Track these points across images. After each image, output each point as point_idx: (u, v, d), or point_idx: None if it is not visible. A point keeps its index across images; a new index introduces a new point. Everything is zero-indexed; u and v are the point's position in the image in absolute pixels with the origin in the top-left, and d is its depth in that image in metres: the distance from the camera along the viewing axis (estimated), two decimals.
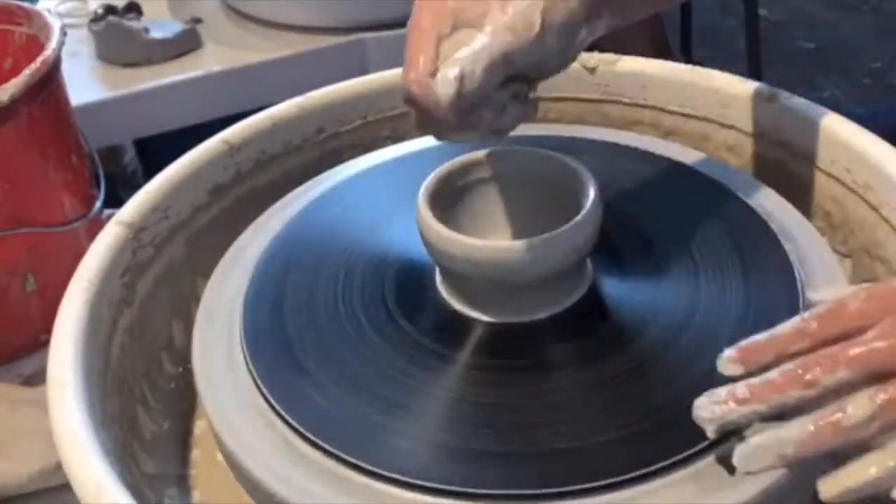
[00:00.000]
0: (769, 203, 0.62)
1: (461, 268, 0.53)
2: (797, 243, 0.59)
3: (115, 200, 0.78)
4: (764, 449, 0.43)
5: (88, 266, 0.58)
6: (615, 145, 0.69)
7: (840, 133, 0.63)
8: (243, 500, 0.51)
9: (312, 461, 0.49)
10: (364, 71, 0.76)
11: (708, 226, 0.61)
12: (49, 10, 0.91)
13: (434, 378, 0.52)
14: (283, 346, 0.55)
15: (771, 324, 0.47)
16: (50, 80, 0.82)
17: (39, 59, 0.81)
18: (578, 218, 0.53)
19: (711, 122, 0.71)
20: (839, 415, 0.43)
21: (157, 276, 0.63)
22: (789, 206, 0.62)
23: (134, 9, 1.29)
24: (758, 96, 0.69)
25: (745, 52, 1.86)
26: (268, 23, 1.29)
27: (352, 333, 0.55)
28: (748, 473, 0.44)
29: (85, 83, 1.20)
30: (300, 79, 1.04)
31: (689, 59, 1.84)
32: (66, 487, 0.48)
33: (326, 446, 0.49)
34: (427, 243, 0.55)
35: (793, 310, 0.54)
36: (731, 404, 0.44)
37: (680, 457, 0.47)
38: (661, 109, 0.73)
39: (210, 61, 1.25)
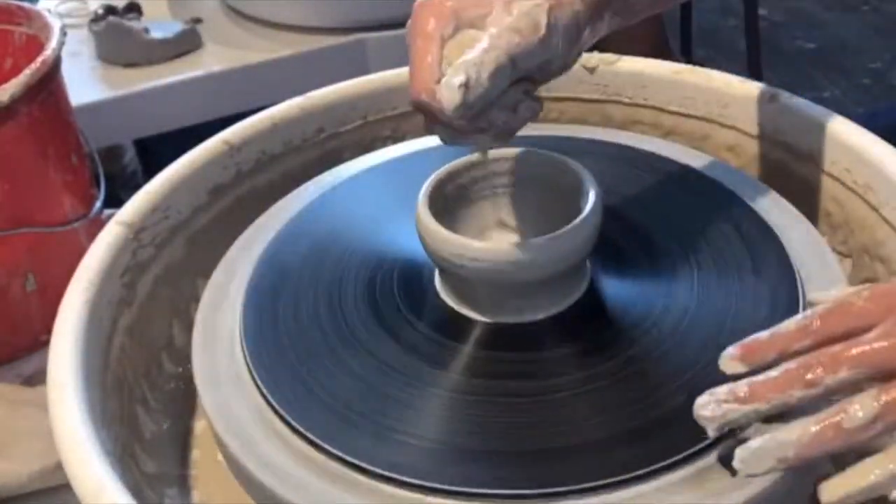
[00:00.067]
0: (769, 203, 0.62)
1: (460, 269, 0.53)
2: (797, 243, 0.59)
3: (115, 200, 0.78)
4: (764, 452, 0.43)
5: (88, 266, 0.58)
6: (615, 145, 0.69)
7: (840, 133, 0.63)
8: (243, 500, 0.51)
9: (312, 461, 0.49)
10: (364, 71, 0.76)
11: (708, 226, 0.61)
12: (49, 10, 0.91)
13: (434, 378, 0.52)
14: (282, 346, 0.55)
15: (770, 323, 0.47)
16: (50, 80, 0.82)
17: (39, 59, 0.81)
18: (579, 219, 0.53)
19: (711, 122, 0.71)
20: (841, 416, 0.42)
21: (157, 276, 0.63)
22: (789, 206, 0.62)
23: (134, 9, 1.29)
24: (758, 96, 0.69)
25: (745, 52, 1.86)
26: (268, 23, 1.29)
27: (351, 334, 0.55)
28: (749, 476, 0.44)
29: (85, 83, 1.20)
30: (300, 79, 1.05)
31: (689, 59, 1.84)
32: (66, 487, 0.48)
33: (326, 446, 0.49)
34: (426, 245, 0.55)
35: (793, 309, 0.54)
36: (733, 403, 0.44)
37: (680, 457, 0.47)
38: (661, 109, 0.73)
39: (210, 61, 1.25)
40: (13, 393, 0.82)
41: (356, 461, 0.48)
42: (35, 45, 0.87)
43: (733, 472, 0.44)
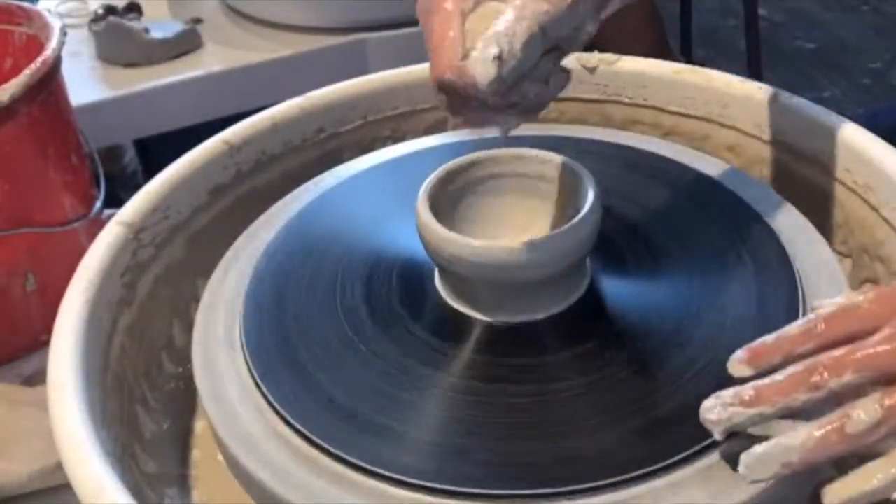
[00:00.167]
0: (769, 203, 0.62)
1: (460, 268, 0.53)
2: (797, 243, 0.59)
3: (115, 200, 0.78)
4: (769, 457, 0.43)
5: (88, 266, 0.58)
6: (615, 145, 0.69)
7: (840, 133, 0.63)
8: (243, 500, 0.51)
9: (312, 461, 0.49)
10: (364, 71, 0.76)
11: (708, 225, 0.61)
12: (49, 10, 0.91)
13: (434, 378, 0.52)
14: (282, 346, 0.55)
15: (770, 323, 0.47)
16: (50, 80, 0.82)
17: (39, 59, 0.81)
18: (578, 218, 0.53)
19: (711, 122, 0.71)
20: (844, 421, 0.42)
21: (157, 276, 0.63)
22: (789, 206, 0.62)
23: (134, 9, 1.29)
24: (758, 96, 0.69)
25: (745, 52, 1.86)
26: (268, 23, 1.29)
27: (351, 333, 0.55)
28: (754, 482, 0.44)
29: (85, 83, 1.20)
30: (300, 79, 1.05)
31: (689, 59, 1.84)
32: (66, 487, 0.48)
33: (326, 446, 0.49)
34: (426, 244, 0.55)
35: (792, 309, 0.54)
36: (738, 407, 0.44)
37: (681, 456, 0.47)
38: (661, 109, 0.73)
39: (210, 61, 1.25)
40: (13, 393, 0.82)
41: (356, 461, 0.48)
42: (35, 45, 0.87)
43: (734, 469, 0.44)
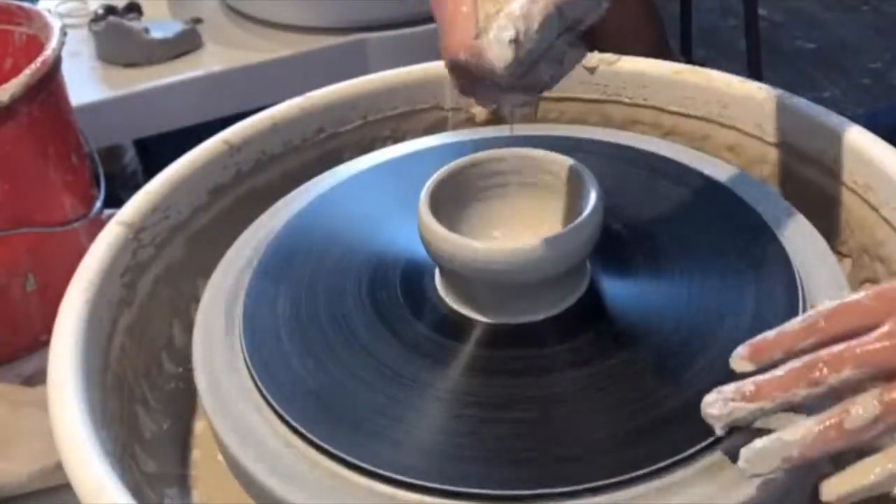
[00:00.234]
0: (769, 203, 0.62)
1: (461, 269, 0.53)
2: (797, 243, 0.59)
3: (115, 200, 0.78)
4: (769, 452, 0.43)
5: (88, 266, 0.58)
6: (615, 145, 0.69)
7: (840, 133, 0.63)
8: (243, 500, 0.51)
9: (312, 461, 0.49)
10: (364, 71, 0.76)
11: (708, 225, 0.61)
12: (49, 10, 0.92)
13: (434, 379, 0.52)
14: (282, 347, 0.55)
15: (770, 323, 0.47)
16: (50, 80, 0.82)
17: (39, 59, 0.81)
18: (579, 220, 0.53)
19: (711, 122, 0.71)
20: (843, 416, 0.43)
21: (157, 276, 0.63)
22: (789, 206, 0.62)
23: (134, 9, 1.29)
24: (758, 96, 0.69)
25: (745, 52, 1.86)
26: (268, 23, 1.30)
27: (352, 334, 0.55)
28: (754, 476, 0.44)
29: (85, 83, 1.20)
30: (300, 79, 1.05)
31: (689, 59, 1.84)
32: (66, 487, 0.48)
33: (326, 446, 0.49)
34: (427, 244, 0.55)
35: (792, 309, 0.54)
36: (739, 402, 0.44)
37: (680, 456, 0.47)
38: (661, 109, 0.73)
39: (210, 61, 1.25)
40: (13, 393, 0.82)
41: (356, 461, 0.48)
42: (35, 45, 0.87)
43: (735, 462, 0.44)
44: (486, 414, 0.50)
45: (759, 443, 0.43)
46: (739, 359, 0.46)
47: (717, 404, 0.45)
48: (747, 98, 0.69)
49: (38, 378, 0.84)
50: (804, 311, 0.54)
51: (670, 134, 0.73)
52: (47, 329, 0.55)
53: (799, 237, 0.60)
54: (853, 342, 0.44)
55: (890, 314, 0.44)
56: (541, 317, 0.55)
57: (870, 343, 0.44)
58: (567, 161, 0.58)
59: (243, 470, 0.50)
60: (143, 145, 1.52)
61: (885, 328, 0.44)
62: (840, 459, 0.45)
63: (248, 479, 0.50)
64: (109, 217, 0.63)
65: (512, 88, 0.47)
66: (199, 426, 0.61)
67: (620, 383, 0.51)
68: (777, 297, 0.55)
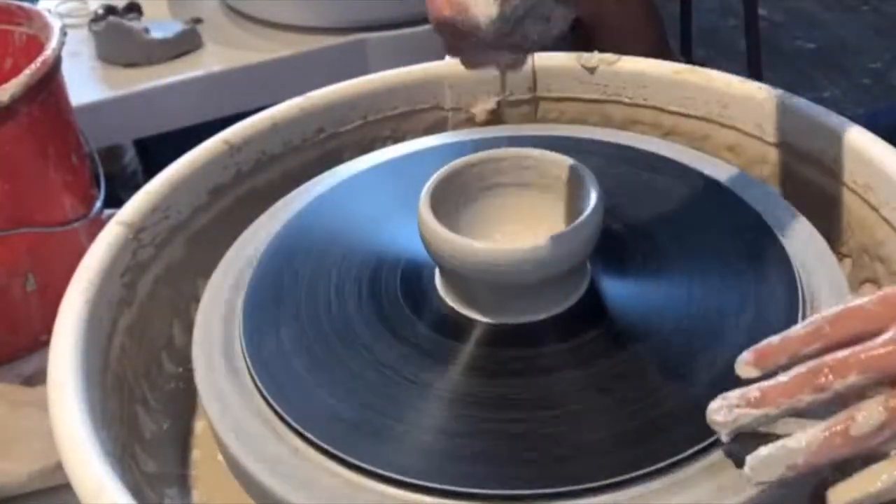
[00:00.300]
0: (769, 203, 0.62)
1: (461, 269, 0.53)
2: (797, 243, 0.59)
3: (115, 200, 0.78)
4: (774, 459, 0.43)
5: (88, 266, 0.58)
6: (615, 145, 0.69)
7: (840, 133, 0.63)
8: (243, 500, 0.51)
9: (313, 461, 0.49)
10: (364, 71, 0.76)
11: (708, 225, 0.61)
12: (49, 10, 0.91)
13: (434, 379, 0.52)
14: (282, 346, 0.55)
15: (770, 323, 0.47)
16: (50, 80, 0.82)
17: (39, 59, 0.81)
18: (580, 220, 0.53)
19: (711, 122, 0.71)
20: (848, 423, 0.43)
21: (157, 276, 0.63)
22: (789, 206, 0.62)
23: (134, 9, 1.29)
24: (758, 96, 0.69)
25: (745, 52, 1.86)
26: (268, 23, 1.30)
27: (351, 334, 0.55)
28: (759, 484, 0.44)
29: (85, 83, 1.20)
30: (300, 79, 1.05)
31: (689, 59, 1.84)
32: (66, 487, 0.48)
33: (327, 446, 0.49)
34: (427, 245, 0.55)
35: (793, 309, 0.54)
36: (744, 408, 0.44)
37: (680, 456, 0.47)
38: (661, 109, 0.73)
39: (210, 61, 1.25)
40: (13, 393, 0.82)
41: (356, 461, 0.48)
42: (35, 45, 0.87)
43: (739, 467, 0.44)
44: (486, 414, 0.50)
45: (764, 450, 0.43)
46: (744, 364, 0.46)
47: (723, 411, 0.45)
48: (747, 98, 0.69)
49: (38, 378, 0.84)
50: (804, 311, 0.54)
51: (670, 134, 0.73)
52: (47, 329, 0.55)
53: (799, 237, 0.60)
54: (858, 348, 0.44)
55: (894, 319, 0.44)
56: (541, 317, 0.55)
57: (875, 348, 0.43)
58: (567, 161, 0.58)
59: (243, 470, 0.50)
60: (143, 145, 1.52)
61: (889, 333, 0.44)
62: (846, 466, 0.44)
63: (248, 479, 0.50)
64: (109, 217, 0.63)
65: (498, 47, 0.47)
66: (199, 426, 0.61)
67: (620, 383, 0.51)
68: (777, 298, 0.55)
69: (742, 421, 0.44)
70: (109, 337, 0.58)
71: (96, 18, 1.25)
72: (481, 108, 0.75)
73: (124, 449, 0.54)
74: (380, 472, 0.48)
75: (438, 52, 0.74)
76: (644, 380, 0.51)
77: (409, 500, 0.47)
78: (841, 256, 0.65)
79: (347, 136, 0.74)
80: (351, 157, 0.72)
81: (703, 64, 0.76)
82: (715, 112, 0.71)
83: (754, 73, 1.83)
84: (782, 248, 0.58)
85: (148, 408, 0.59)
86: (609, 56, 0.74)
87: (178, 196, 0.65)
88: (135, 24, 1.24)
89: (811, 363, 0.44)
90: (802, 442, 0.43)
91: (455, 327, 0.55)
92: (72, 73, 0.91)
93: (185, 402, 0.62)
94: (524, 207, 0.60)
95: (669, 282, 0.57)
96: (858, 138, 0.62)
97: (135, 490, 0.48)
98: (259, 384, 0.53)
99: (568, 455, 0.48)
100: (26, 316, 0.86)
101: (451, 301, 0.57)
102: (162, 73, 1.22)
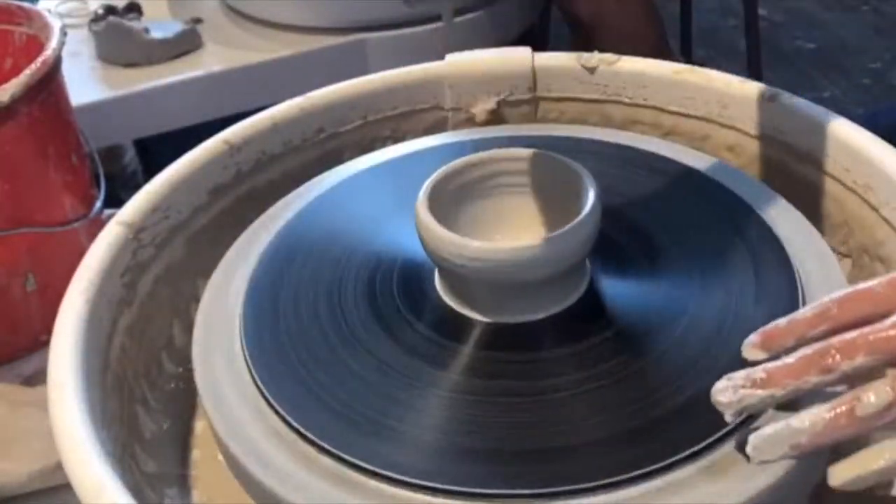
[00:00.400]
0: (769, 203, 0.62)
1: (460, 269, 0.53)
2: (797, 243, 0.59)
3: (115, 200, 0.78)
4: (778, 438, 0.43)
5: (88, 266, 0.58)
6: (615, 145, 0.69)
7: (840, 133, 0.63)
8: (243, 500, 0.51)
9: (313, 461, 0.49)
10: (364, 71, 0.76)
11: (707, 225, 0.61)
12: (49, 10, 0.91)
13: (433, 378, 0.52)
14: (282, 346, 0.55)
15: (770, 322, 0.47)
16: (50, 81, 0.82)
17: (39, 59, 0.81)
18: (578, 219, 0.53)
19: (711, 122, 0.72)
20: (854, 403, 0.42)
21: (157, 276, 0.63)
22: (789, 206, 0.62)
23: (134, 9, 1.29)
24: (758, 96, 0.69)
25: (745, 52, 1.86)
26: (268, 23, 1.29)
27: (351, 334, 0.56)
28: (762, 463, 0.44)
29: (85, 83, 1.20)
30: (300, 79, 1.05)
31: (689, 59, 1.84)
32: (66, 487, 0.48)
33: (327, 446, 0.49)
34: (426, 244, 0.55)
35: (793, 309, 0.54)
36: (750, 388, 0.44)
37: (680, 456, 0.47)
38: (661, 109, 0.73)
39: (210, 61, 1.25)
40: (13, 393, 0.82)
41: (356, 461, 0.48)
42: (35, 45, 0.87)
43: (748, 459, 0.44)
44: (486, 413, 0.50)
45: (767, 429, 0.43)
46: (751, 346, 0.46)
47: (728, 391, 0.44)
48: (747, 98, 0.69)
49: (38, 378, 0.84)
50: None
51: (670, 134, 0.73)
52: (47, 329, 0.55)
53: (798, 237, 0.60)
54: (866, 329, 0.43)
55: None
56: (540, 316, 0.55)
57: (883, 330, 0.43)
58: (566, 161, 0.58)
59: (243, 470, 0.50)
60: (143, 145, 1.52)
61: None
62: (844, 447, 0.44)
63: (248, 479, 0.50)
64: (109, 217, 0.63)
65: None
66: (199, 426, 0.61)
67: (620, 383, 0.51)
68: (777, 297, 0.55)
69: (747, 401, 0.44)
70: (109, 337, 0.58)
71: (96, 18, 1.25)
72: (481, 108, 0.75)
73: (124, 449, 0.54)
74: (380, 471, 0.48)
75: (438, 52, 0.74)
76: (644, 379, 0.51)
77: (408, 499, 0.47)
78: (841, 256, 0.65)
79: (347, 136, 0.74)
80: (351, 157, 0.72)
81: (703, 64, 0.76)
82: (715, 112, 0.71)
83: (754, 73, 1.83)
84: (782, 248, 0.58)
85: (148, 408, 0.59)
86: (609, 56, 0.74)
87: (178, 196, 0.65)
88: (135, 24, 1.24)
89: (818, 345, 0.44)
90: (806, 421, 0.43)
91: (454, 327, 0.55)
92: (72, 73, 0.91)
93: (185, 402, 0.62)
94: (523, 207, 0.60)
95: (669, 282, 0.57)
96: (858, 138, 0.62)
97: (135, 490, 0.48)
98: (259, 384, 0.53)
99: (567, 454, 0.48)
100: (26, 316, 0.86)
101: (450, 301, 0.57)
102: (162, 73, 1.22)
